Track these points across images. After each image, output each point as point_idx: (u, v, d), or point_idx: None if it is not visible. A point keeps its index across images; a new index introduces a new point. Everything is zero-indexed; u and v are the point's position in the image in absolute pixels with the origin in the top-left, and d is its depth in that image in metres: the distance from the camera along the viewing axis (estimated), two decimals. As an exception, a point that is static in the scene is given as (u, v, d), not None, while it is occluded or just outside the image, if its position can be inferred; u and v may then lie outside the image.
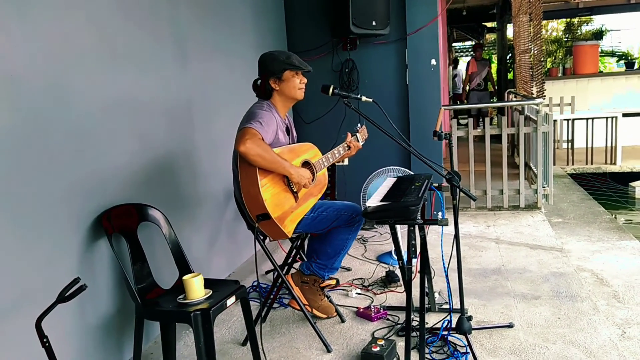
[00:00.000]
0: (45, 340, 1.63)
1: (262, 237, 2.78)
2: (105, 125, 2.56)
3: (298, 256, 3.11)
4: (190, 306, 2.22)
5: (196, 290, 2.27)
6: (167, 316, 2.36)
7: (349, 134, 2.99)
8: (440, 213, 2.69)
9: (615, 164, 7.58)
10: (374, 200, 2.41)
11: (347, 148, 2.94)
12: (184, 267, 2.58)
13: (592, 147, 7.77)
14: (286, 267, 3.02)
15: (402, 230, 2.75)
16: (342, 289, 3.46)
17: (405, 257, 2.59)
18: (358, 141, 3.00)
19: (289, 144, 2.81)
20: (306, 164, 2.76)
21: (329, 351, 2.69)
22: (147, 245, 2.62)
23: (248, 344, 2.73)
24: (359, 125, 3.08)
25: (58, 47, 2.28)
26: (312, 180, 2.72)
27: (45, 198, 2.17)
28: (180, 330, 2.90)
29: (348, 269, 3.85)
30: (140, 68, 2.85)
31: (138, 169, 2.80)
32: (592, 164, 7.73)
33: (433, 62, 4.79)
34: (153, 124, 2.97)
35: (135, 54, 2.81)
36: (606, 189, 7.23)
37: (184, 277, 2.27)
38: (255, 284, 3.60)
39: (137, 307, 2.35)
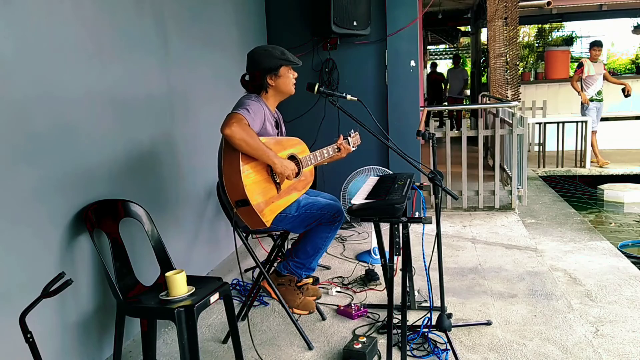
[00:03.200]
0: (29, 335, 1.60)
1: (244, 235, 2.77)
2: (89, 120, 2.52)
3: (279, 254, 3.11)
4: (174, 303, 2.20)
5: (179, 286, 2.25)
6: (149, 313, 2.34)
7: (341, 136, 3.00)
8: (417, 212, 2.73)
9: (584, 167, 7.79)
10: (358, 198, 2.42)
11: (337, 150, 2.95)
12: (166, 264, 2.56)
13: (562, 151, 7.97)
14: (268, 265, 3.02)
15: (384, 228, 2.77)
16: (322, 287, 3.47)
17: (387, 254, 2.62)
18: (349, 145, 3.01)
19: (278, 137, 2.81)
20: (292, 159, 2.75)
21: (310, 348, 2.69)
22: (129, 242, 2.58)
23: (229, 341, 2.72)
24: (352, 130, 3.08)
25: (43, 40, 2.24)
26: (297, 175, 2.72)
27: (26, 192, 2.13)
28: (159, 328, 2.87)
29: (327, 268, 3.87)
30: (124, 63, 2.82)
31: (120, 164, 2.76)
32: (562, 166, 7.93)
33: (412, 63, 4.84)
34: (136, 119, 2.93)
35: (119, 49, 2.78)
36: (576, 191, 7.41)
37: (167, 274, 2.25)
38: (235, 282, 3.59)
39: (119, 304, 2.31)
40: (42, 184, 2.21)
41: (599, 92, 7.69)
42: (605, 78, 7.71)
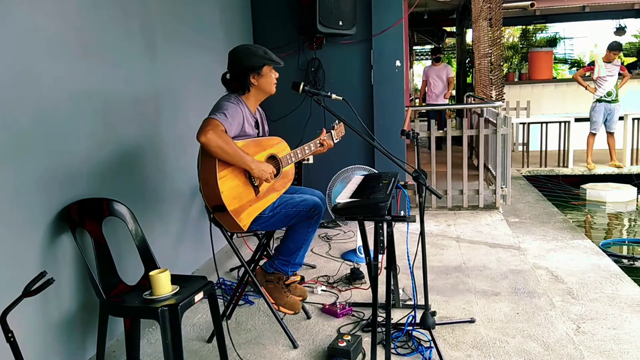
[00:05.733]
0: (10, 335, 1.59)
1: (229, 234, 2.77)
2: (72, 118, 2.50)
3: (265, 253, 3.11)
4: (158, 302, 2.19)
5: (163, 286, 2.24)
6: (133, 312, 2.32)
7: (324, 130, 2.99)
8: (402, 211, 2.75)
9: (567, 167, 7.88)
10: (343, 197, 2.43)
11: (319, 145, 2.94)
12: (150, 263, 2.55)
13: (546, 150, 8.05)
14: (253, 264, 3.01)
15: (368, 227, 2.78)
16: (308, 286, 3.47)
17: (372, 253, 2.63)
18: (332, 138, 3.00)
19: (258, 137, 2.80)
20: (272, 158, 2.75)
21: (295, 347, 2.70)
22: (112, 241, 2.56)
23: (214, 340, 2.72)
24: (336, 122, 3.07)
25: (27, 37, 2.22)
26: (277, 175, 2.72)
27: (8, 190, 2.11)
28: (143, 328, 2.86)
29: (313, 267, 3.88)
30: (109, 61, 2.80)
31: (104, 162, 2.74)
32: (546, 166, 8.01)
33: (398, 63, 4.86)
34: (120, 117, 2.91)
35: (104, 47, 2.76)
36: (559, 190, 7.49)
37: (151, 273, 2.24)
38: (220, 281, 3.58)
39: (102, 303, 2.30)
40: (24, 182, 2.19)
41: (609, 93, 7.39)
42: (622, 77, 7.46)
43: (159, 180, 3.35)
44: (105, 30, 2.78)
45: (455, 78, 12.45)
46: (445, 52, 19.58)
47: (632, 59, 13.88)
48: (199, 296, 2.29)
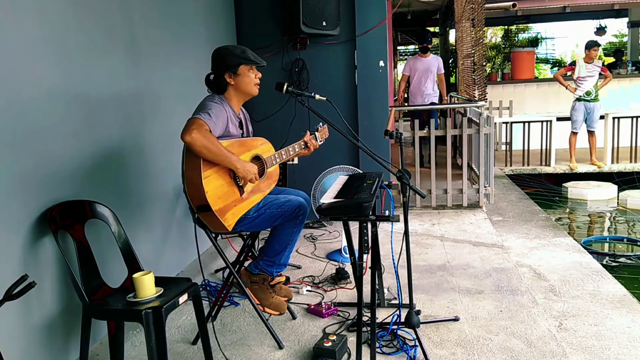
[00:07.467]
0: (-10, 340, 1.56)
1: (213, 235, 2.76)
2: (53, 119, 2.47)
3: (249, 254, 3.10)
4: (141, 304, 2.17)
5: (147, 288, 2.23)
6: (116, 315, 2.31)
7: (308, 132, 2.98)
8: (388, 211, 2.76)
9: (549, 165, 7.97)
10: (327, 197, 2.44)
11: (303, 146, 2.93)
12: (134, 265, 2.53)
13: (528, 150, 8.14)
14: (238, 265, 3.00)
15: (353, 227, 2.79)
16: (293, 287, 3.47)
17: (356, 253, 2.63)
18: (316, 140, 3.00)
19: (242, 137, 2.79)
20: (257, 159, 2.75)
21: (280, 348, 2.70)
22: (95, 243, 2.54)
23: (199, 342, 2.70)
24: (320, 124, 3.06)
25: (6, 36, 2.19)
26: (262, 176, 2.71)
27: (-13, 193, 2.08)
28: (127, 330, 2.83)
29: (298, 267, 3.88)
30: (91, 62, 2.77)
31: (86, 164, 2.71)
32: (528, 165, 8.10)
33: (381, 63, 4.88)
34: (103, 119, 2.88)
35: (86, 48, 2.73)
36: (541, 189, 7.58)
37: (134, 275, 2.23)
38: (205, 282, 3.56)
39: (85, 306, 2.28)
40: (3, 184, 2.16)
41: (588, 93, 7.42)
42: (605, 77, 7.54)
43: (143, 182, 3.32)
44: (86, 31, 2.75)
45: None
46: (431, 50, 19.57)
47: (612, 59, 14.09)
48: (183, 298, 2.28)
